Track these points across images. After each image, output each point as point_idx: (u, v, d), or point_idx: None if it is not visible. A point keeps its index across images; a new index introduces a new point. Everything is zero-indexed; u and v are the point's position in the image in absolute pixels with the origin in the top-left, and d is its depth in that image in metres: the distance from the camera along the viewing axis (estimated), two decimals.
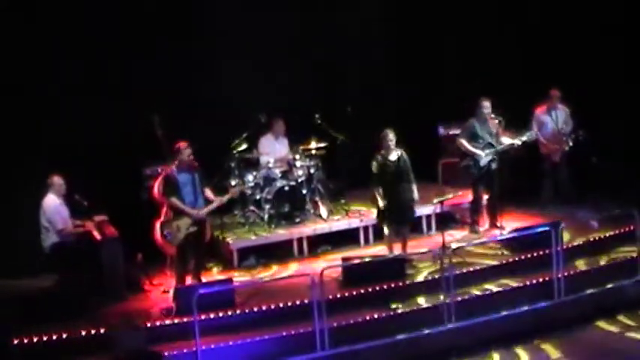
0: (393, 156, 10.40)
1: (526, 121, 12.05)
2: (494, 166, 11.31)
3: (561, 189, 12.21)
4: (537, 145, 12.08)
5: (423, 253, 10.28)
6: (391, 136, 10.36)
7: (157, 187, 10.17)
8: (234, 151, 11.51)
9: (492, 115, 11.36)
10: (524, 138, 11.50)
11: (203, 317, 8.81)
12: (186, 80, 11.98)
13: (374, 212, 10.73)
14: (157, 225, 9.86)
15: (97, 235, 10.12)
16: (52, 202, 10.01)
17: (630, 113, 12.26)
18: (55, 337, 8.76)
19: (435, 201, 10.88)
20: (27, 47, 10.94)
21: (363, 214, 11.58)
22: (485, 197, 11.61)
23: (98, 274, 9.86)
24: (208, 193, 10.13)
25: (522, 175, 12.30)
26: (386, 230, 10.60)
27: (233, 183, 11.52)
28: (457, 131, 11.85)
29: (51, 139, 11.06)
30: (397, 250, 10.52)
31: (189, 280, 10.05)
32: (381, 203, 10.38)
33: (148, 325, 9.00)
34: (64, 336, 8.78)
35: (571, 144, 12.04)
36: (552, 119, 12.09)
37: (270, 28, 12.40)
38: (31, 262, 10.25)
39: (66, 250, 9.94)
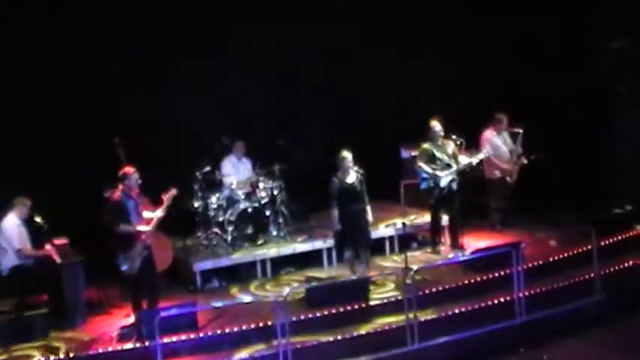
0: (351, 178, 10.41)
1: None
2: (454, 186, 11.43)
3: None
4: (484, 167, 12.16)
5: (385, 274, 10.26)
6: (349, 159, 10.38)
7: (104, 215, 9.60)
8: (197, 173, 11.47)
9: (454, 137, 11.50)
10: (481, 156, 11.68)
11: (166, 341, 8.74)
12: (148, 102, 11.92)
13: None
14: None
15: (57, 258, 10.00)
16: (10, 222, 9.89)
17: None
18: None
19: (400, 223, 10.94)
20: None
21: (326, 236, 11.61)
22: (446, 218, 11.72)
23: (59, 298, 9.73)
24: (147, 214, 9.59)
25: (482, 195, 12.45)
26: (346, 253, 10.61)
27: (196, 205, 11.48)
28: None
29: (11, 161, 10.94)
30: (359, 272, 10.54)
31: (144, 306, 9.74)
32: (339, 226, 10.40)
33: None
34: None
35: (525, 162, 12.21)
36: (503, 141, 12.26)
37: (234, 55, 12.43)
38: None
39: (25, 272, 9.81)
